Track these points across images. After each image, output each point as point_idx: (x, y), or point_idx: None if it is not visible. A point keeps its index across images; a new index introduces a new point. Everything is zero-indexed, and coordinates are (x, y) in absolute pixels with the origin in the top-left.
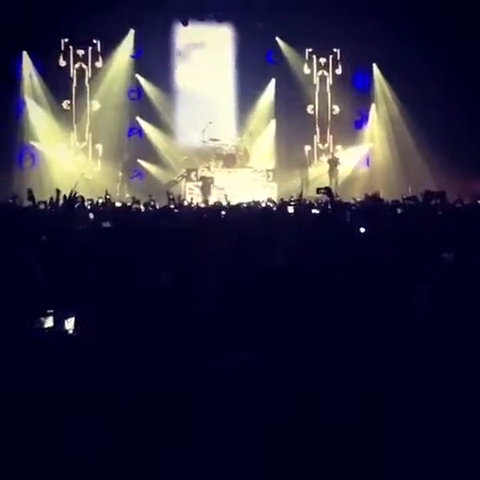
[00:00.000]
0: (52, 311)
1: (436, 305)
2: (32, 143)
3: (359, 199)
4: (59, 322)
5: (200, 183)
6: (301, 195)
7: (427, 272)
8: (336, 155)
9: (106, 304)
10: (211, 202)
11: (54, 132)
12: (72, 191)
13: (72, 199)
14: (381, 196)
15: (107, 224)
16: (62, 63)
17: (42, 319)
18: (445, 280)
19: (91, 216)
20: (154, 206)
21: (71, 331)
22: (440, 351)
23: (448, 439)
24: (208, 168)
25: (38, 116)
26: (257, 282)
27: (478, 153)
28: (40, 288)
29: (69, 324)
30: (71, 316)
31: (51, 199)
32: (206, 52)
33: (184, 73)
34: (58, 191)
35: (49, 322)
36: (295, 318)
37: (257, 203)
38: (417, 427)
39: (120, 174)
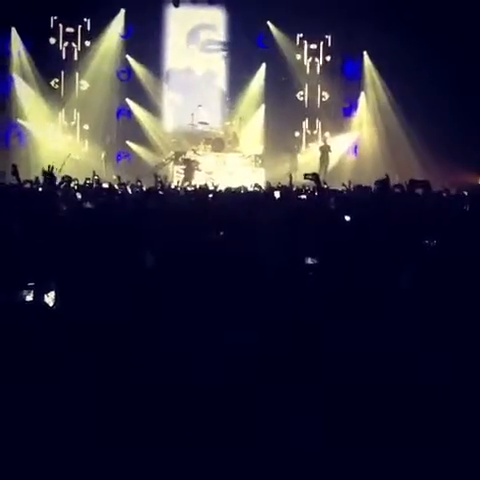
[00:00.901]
0: (33, 284)
1: (418, 287)
2: (19, 121)
3: (345, 187)
4: (39, 295)
5: (183, 166)
6: (291, 180)
7: (410, 257)
8: (327, 142)
9: (87, 280)
10: (197, 186)
11: (42, 110)
12: (49, 167)
13: (51, 174)
14: (370, 184)
15: (88, 205)
16: (51, 41)
17: (23, 292)
18: (427, 264)
19: (79, 196)
20: (141, 188)
21: (51, 304)
22: (422, 329)
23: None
24: (194, 151)
25: (26, 94)
26: (243, 264)
27: (466, 143)
28: (22, 261)
29: (49, 298)
30: (51, 290)
31: (36, 178)
32: (197, 35)
33: (174, 55)
34: (44, 172)
35: (29, 295)
36: (283, 301)
37: (245, 188)
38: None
39: (106, 155)
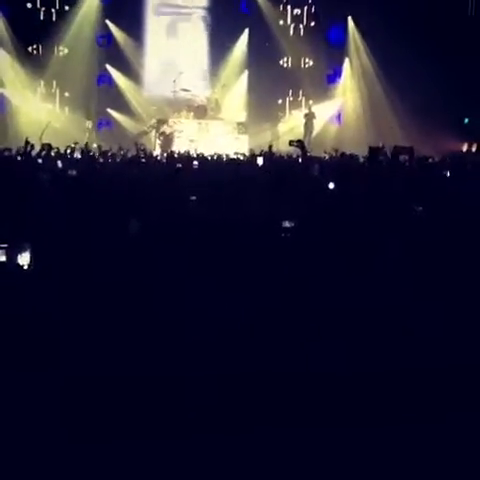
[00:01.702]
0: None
1: (405, 254)
2: None
3: (327, 155)
4: (13, 256)
5: (162, 135)
6: (270, 150)
7: (397, 223)
8: (312, 109)
9: (64, 243)
10: (178, 151)
11: (20, 78)
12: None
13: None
14: (353, 151)
15: (73, 172)
16: (28, 5)
17: None
18: (413, 231)
19: (59, 164)
20: (125, 155)
21: (26, 266)
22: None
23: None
24: (166, 120)
25: (3, 60)
26: (229, 231)
27: (449, 110)
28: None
29: (23, 259)
30: (25, 251)
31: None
32: None
33: (155, 20)
34: (27, 142)
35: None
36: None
37: (227, 156)
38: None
39: (88, 123)
